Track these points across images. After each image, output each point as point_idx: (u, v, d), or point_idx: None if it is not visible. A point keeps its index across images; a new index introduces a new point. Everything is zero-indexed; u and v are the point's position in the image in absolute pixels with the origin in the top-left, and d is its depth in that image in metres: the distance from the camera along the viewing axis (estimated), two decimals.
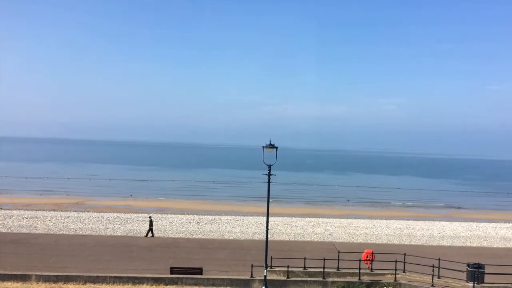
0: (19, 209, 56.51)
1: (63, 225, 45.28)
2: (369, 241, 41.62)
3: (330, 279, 27.52)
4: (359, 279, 27.44)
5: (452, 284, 26.70)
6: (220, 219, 52.33)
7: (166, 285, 26.54)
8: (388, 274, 28.28)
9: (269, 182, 25.52)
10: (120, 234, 41.98)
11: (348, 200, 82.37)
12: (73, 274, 27.04)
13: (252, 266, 27.43)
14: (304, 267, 28.52)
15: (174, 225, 47.34)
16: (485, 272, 26.22)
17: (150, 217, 42.46)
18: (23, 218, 48.51)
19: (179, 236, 41.67)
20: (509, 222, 57.95)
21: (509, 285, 26.34)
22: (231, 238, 41.62)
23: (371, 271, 28.81)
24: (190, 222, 49.13)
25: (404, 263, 28.51)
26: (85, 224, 46.36)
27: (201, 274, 27.57)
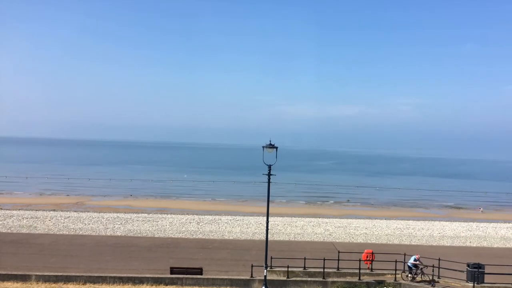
0: (19, 209, 56.49)
1: (63, 225, 45.26)
2: (369, 241, 41.61)
3: (330, 279, 27.52)
4: (359, 279, 27.44)
5: (452, 284, 26.71)
6: (220, 219, 52.32)
7: (166, 285, 26.54)
8: (388, 274, 28.29)
9: (269, 182, 25.51)
10: (120, 234, 41.97)
11: (348, 200, 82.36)
12: (73, 274, 27.05)
13: (252, 266, 27.44)
14: (304, 267, 28.52)
15: (174, 225, 47.33)
16: (485, 272, 26.24)
17: None
18: (23, 218, 48.49)
19: (179, 236, 41.66)
20: (509, 222, 57.94)
21: (509, 285, 26.35)
22: (231, 238, 41.62)
23: (371, 271, 28.82)
24: (190, 222, 49.12)
25: (404, 263, 28.51)
26: (85, 224, 46.35)
27: (201, 274, 27.57)
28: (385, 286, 26.78)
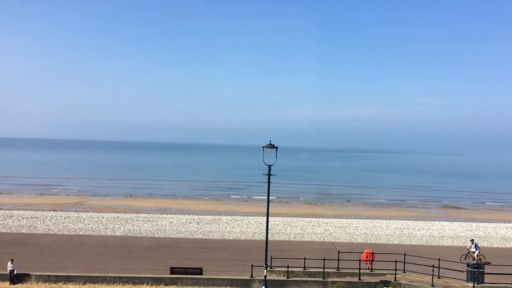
0: (19, 209, 56.50)
1: (63, 225, 45.28)
2: (369, 241, 41.61)
3: (330, 279, 27.53)
4: (359, 279, 27.45)
5: (452, 284, 26.71)
6: (220, 219, 52.31)
7: (166, 285, 26.56)
8: (388, 274, 28.29)
9: (269, 182, 25.52)
10: (120, 234, 41.98)
11: (348, 200, 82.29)
12: (73, 274, 27.07)
13: (252, 266, 27.45)
14: (304, 267, 28.54)
15: (174, 225, 47.33)
16: (485, 272, 26.25)
17: None
18: (23, 218, 48.50)
19: (179, 236, 41.68)
20: (509, 222, 57.91)
21: (509, 285, 26.36)
22: (231, 238, 41.63)
23: (371, 271, 28.83)
24: (190, 222, 49.12)
25: (404, 263, 28.52)
26: (85, 224, 46.35)
27: (201, 274, 27.59)
28: (385, 286, 26.79)
